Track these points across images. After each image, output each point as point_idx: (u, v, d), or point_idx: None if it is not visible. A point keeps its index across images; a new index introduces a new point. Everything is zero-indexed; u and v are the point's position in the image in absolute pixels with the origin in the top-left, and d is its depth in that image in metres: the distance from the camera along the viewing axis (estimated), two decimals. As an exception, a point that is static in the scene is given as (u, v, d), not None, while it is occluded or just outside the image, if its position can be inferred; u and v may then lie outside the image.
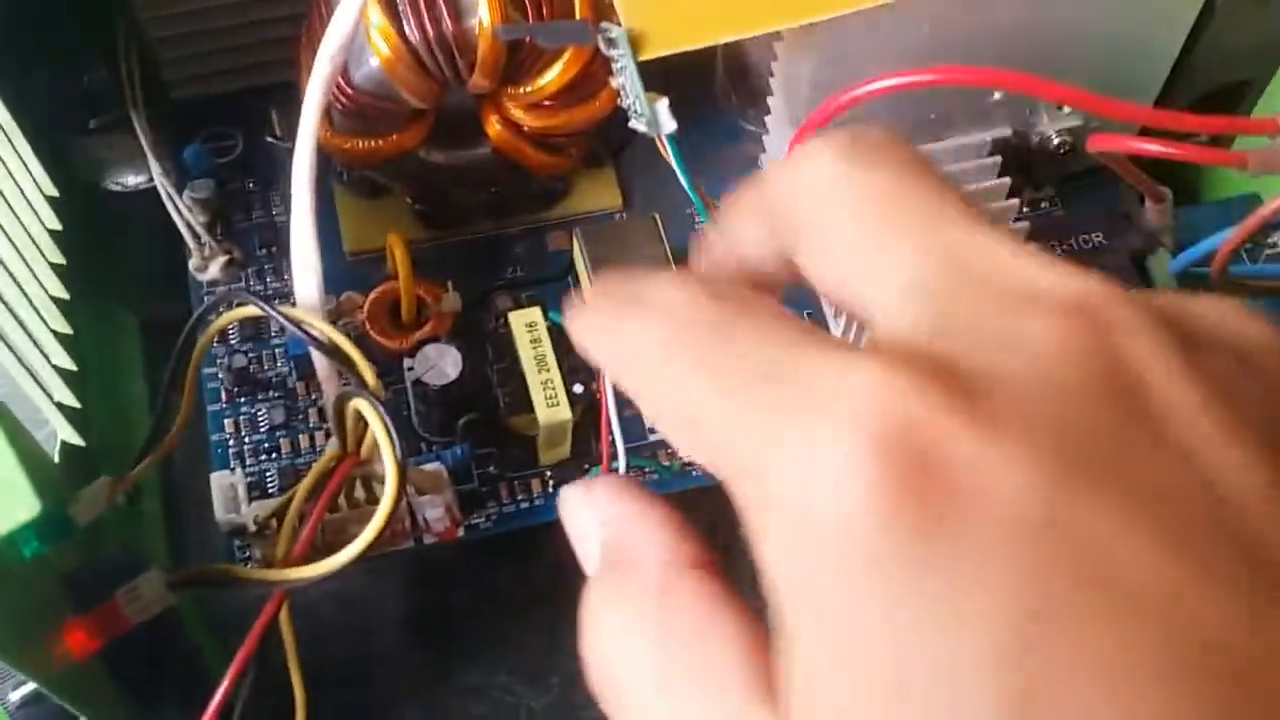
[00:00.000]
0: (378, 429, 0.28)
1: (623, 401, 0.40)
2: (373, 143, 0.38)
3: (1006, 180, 0.36)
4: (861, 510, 0.15)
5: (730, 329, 0.18)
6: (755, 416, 0.17)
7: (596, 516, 0.21)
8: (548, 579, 0.42)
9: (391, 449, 0.28)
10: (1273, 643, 0.14)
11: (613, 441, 0.37)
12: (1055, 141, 0.39)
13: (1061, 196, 0.43)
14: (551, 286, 0.42)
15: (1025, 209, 0.36)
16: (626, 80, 0.32)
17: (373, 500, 0.35)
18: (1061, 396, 0.16)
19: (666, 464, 0.39)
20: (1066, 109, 0.39)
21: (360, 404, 0.29)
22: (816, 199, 0.19)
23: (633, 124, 0.33)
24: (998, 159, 0.36)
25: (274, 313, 0.29)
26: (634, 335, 0.19)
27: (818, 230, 0.19)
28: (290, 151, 0.43)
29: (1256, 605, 0.14)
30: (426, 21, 0.35)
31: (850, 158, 0.19)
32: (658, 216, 0.40)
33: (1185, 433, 0.15)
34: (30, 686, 0.32)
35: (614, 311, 0.20)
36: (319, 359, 0.31)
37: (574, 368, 0.38)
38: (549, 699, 0.41)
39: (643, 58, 0.34)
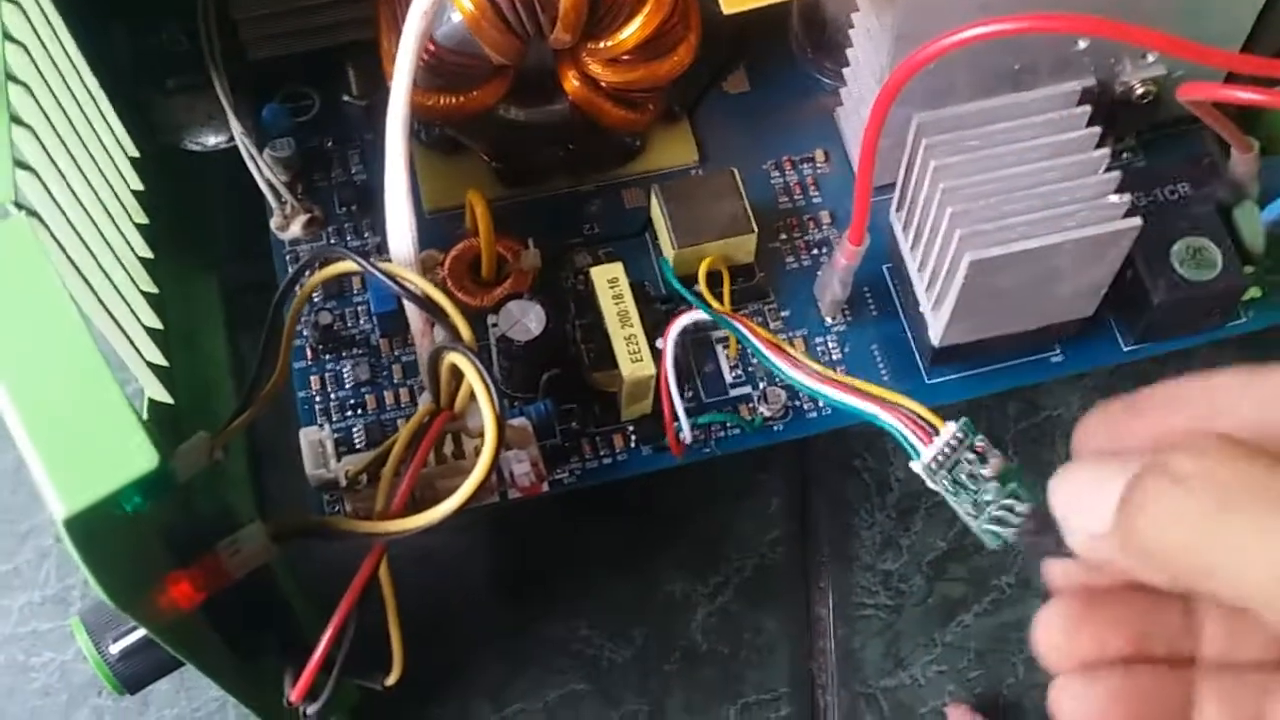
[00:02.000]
0: (475, 383, 0.29)
1: (701, 359, 0.40)
2: (453, 99, 0.38)
3: (1096, 130, 0.36)
4: None
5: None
6: None
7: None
8: (631, 533, 0.43)
9: (490, 402, 0.28)
10: None
11: (672, 401, 0.37)
12: (1139, 91, 0.39)
13: (1144, 147, 0.43)
14: (628, 244, 0.42)
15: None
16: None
17: (461, 455, 0.35)
18: None
19: (748, 418, 0.39)
20: (1150, 58, 0.39)
21: (456, 358, 0.29)
22: None
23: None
24: (1087, 108, 0.36)
25: (369, 267, 0.30)
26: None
27: None
28: (366, 110, 0.43)
29: None
30: (509, -24, 0.35)
31: None
32: (735, 170, 0.40)
33: None
34: (130, 639, 0.32)
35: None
36: (412, 313, 0.31)
37: (656, 323, 0.38)
38: (631, 652, 0.41)
39: (729, 11, 0.33)
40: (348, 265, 0.30)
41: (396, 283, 0.30)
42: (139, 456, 0.24)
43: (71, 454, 0.24)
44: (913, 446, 0.31)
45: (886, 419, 0.32)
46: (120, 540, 0.27)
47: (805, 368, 0.34)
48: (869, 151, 0.34)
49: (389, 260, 0.33)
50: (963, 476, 0.30)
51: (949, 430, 0.30)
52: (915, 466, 0.31)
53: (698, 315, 0.37)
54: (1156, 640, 0.24)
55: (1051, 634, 0.25)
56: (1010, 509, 0.30)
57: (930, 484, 0.31)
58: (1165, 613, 0.24)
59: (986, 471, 0.30)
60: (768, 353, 0.35)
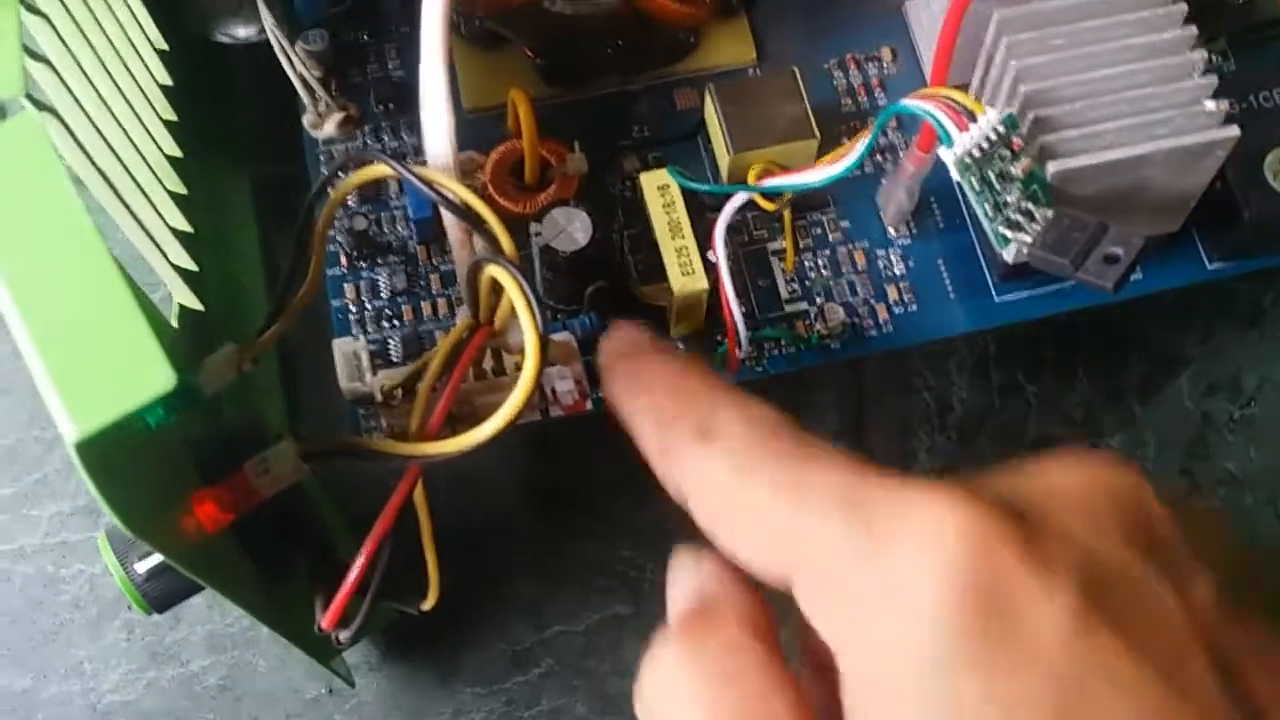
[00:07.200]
0: (517, 299, 0.27)
1: (755, 273, 0.38)
2: (496, -10, 0.36)
3: (1192, 30, 0.33)
4: (944, 624, 0.19)
5: (806, 459, 0.22)
6: (838, 530, 0.20)
7: (699, 572, 0.24)
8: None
9: (533, 320, 0.26)
10: None
11: (733, 316, 0.35)
12: (1237, -12, 0.36)
13: (1234, 50, 0.40)
14: (679, 147, 0.39)
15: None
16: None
17: (501, 371, 0.34)
18: (1087, 526, 0.20)
19: (804, 334, 0.37)
20: (1252, -49, 0.36)
21: (497, 271, 0.27)
22: None
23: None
24: (1183, 6, 0.33)
25: (405, 172, 0.27)
26: (707, 459, 0.23)
27: None
28: (404, 1, 0.41)
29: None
30: None
31: None
32: (796, 70, 0.37)
33: (1174, 565, 0.20)
34: (157, 558, 0.31)
35: (684, 440, 0.24)
36: (450, 222, 0.29)
37: (709, 233, 0.36)
38: (675, 575, 0.40)
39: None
40: (382, 169, 0.28)
41: (433, 189, 0.28)
42: (156, 374, 0.22)
43: (83, 372, 0.22)
44: (947, 133, 0.29)
45: (919, 104, 0.30)
46: (141, 460, 0.25)
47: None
48: (945, 50, 0.31)
49: (425, 164, 0.31)
50: (992, 174, 0.28)
51: (990, 119, 0.28)
52: (946, 156, 0.28)
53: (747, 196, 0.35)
54: None
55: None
56: (1029, 213, 0.28)
57: (957, 176, 0.28)
58: None
59: (1016, 170, 0.28)
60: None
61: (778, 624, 0.24)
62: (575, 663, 0.39)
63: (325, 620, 0.29)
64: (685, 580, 0.24)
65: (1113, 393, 0.41)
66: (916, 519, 0.20)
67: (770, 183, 0.35)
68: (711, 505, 0.23)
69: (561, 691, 0.39)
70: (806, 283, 0.37)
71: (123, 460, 0.24)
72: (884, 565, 0.20)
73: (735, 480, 0.22)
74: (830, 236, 0.38)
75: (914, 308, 0.37)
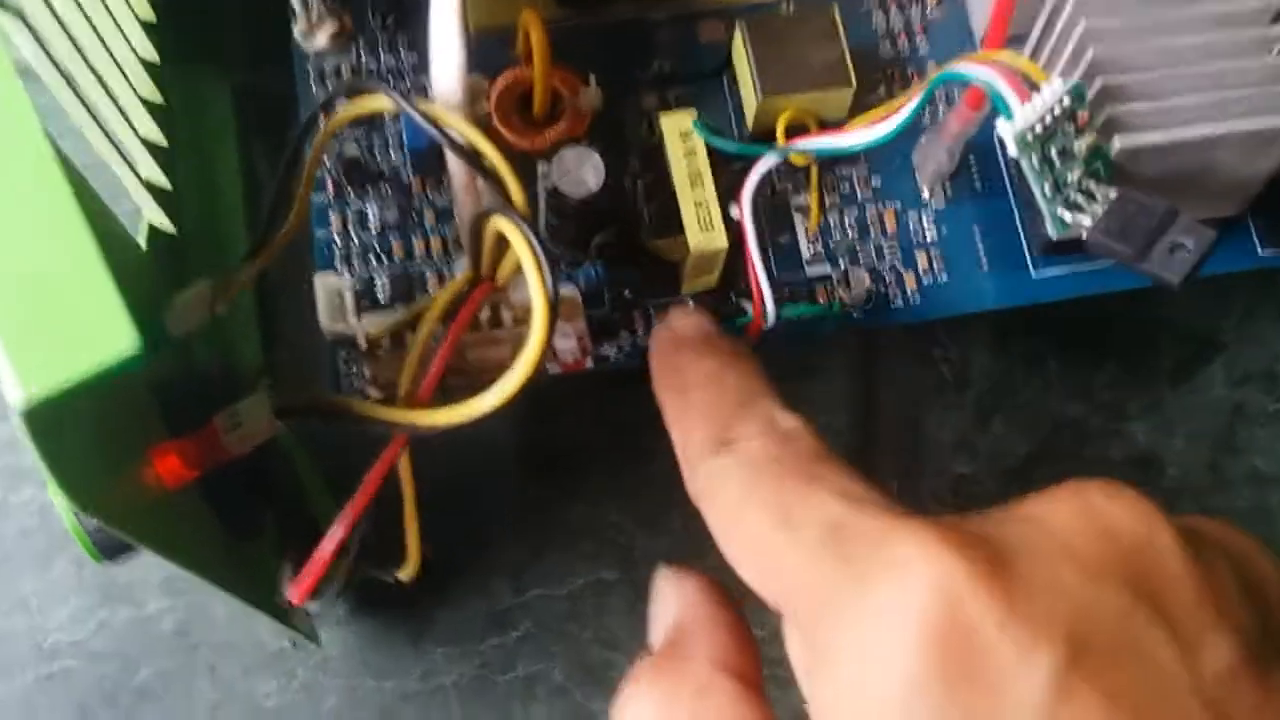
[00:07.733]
0: (526, 259, 0.24)
1: (776, 229, 0.35)
2: (513, -101, 0.33)
3: (1276, 1, 0.30)
4: (909, 679, 0.18)
5: (809, 484, 0.21)
6: (821, 568, 0.20)
7: (679, 600, 0.23)
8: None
9: (542, 284, 0.24)
10: None
11: (761, 289, 0.32)
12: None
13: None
14: (703, 85, 0.36)
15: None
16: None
17: (497, 323, 0.31)
18: (1079, 573, 0.18)
19: (824, 303, 0.34)
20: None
21: (505, 225, 0.25)
22: None
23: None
24: (1270, -29, 0.30)
25: (410, 108, 0.25)
26: (720, 472, 0.23)
27: None
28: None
29: None
30: None
31: None
32: (836, 8, 0.34)
33: (1182, 620, 0.18)
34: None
35: (704, 448, 0.24)
36: (455, 166, 0.26)
37: (731, 185, 0.33)
38: (667, 541, 0.38)
39: None
40: (383, 102, 0.25)
41: (442, 132, 0.25)
42: (119, 332, 0.20)
43: (35, 326, 0.19)
44: (1006, 105, 0.26)
45: (974, 70, 0.27)
46: (97, 416, 0.23)
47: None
48: (1005, 9, 0.28)
49: (430, 91, 0.28)
50: (1053, 152, 0.26)
51: (1055, 89, 0.26)
52: (1005, 131, 0.26)
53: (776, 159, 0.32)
54: None
55: None
56: (1090, 193, 0.26)
57: (1014, 153, 0.26)
58: None
59: (1079, 147, 0.26)
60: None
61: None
62: (555, 627, 0.37)
63: (296, 595, 0.26)
64: (666, 605, 0.24)
65: (1142, 375, 0.39)
66: (891, 565, 0.19)
67: (802, 144, 0.32)
68: (717, 521, 0.23)
69: (538, 657, 0.37)
70: (831, 243, 0.35)
71: (75, 421, 0.21)
72: (857, 614, 0.19)
73: (739, 498, 0.22)
74: (859, 194, 0.35)
75: (944, 278, 0.34)
